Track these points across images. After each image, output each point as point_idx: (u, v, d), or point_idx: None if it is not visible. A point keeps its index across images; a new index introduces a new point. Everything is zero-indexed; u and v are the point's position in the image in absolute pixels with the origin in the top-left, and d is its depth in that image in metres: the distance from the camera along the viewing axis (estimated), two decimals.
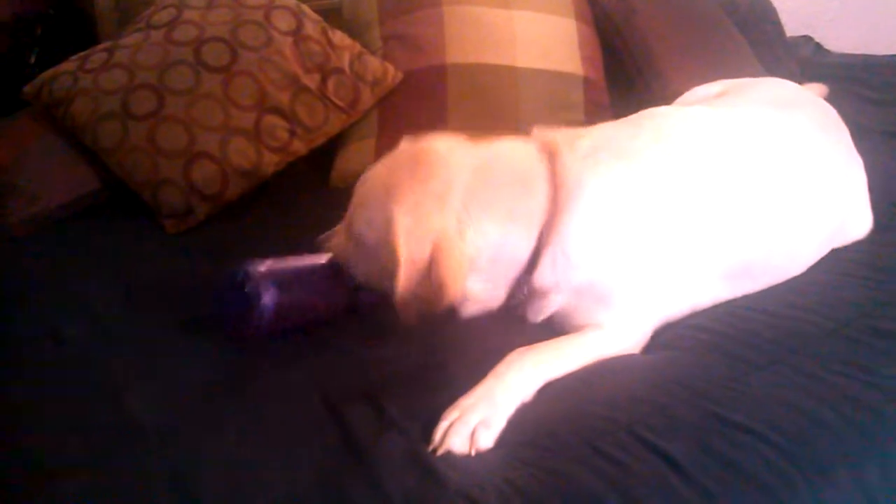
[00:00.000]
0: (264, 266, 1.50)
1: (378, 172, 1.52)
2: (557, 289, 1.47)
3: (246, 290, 1.46)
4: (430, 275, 1.39)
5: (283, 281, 1.50)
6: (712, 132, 1.62)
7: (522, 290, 1.48)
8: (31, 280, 1.80)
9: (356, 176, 2.21)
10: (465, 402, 1.26)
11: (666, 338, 1.48)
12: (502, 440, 1.22)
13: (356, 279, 1.53)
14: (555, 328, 1.50)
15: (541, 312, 1.51)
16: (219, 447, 1.21)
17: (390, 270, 1.39)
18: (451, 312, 1.48)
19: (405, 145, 1.53)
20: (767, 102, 1.82)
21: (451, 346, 1.45)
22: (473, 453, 1.19)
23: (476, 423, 1.22)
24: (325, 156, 2.28)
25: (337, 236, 1.60)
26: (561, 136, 1.54)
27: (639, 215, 1.48)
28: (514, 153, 1.53)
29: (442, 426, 1.22)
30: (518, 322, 1.52)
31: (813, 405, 1.26)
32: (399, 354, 1.43)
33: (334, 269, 1.55)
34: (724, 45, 2.78)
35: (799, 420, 1.22)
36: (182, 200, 2.02)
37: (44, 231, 2.03)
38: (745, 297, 1.57)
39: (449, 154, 1.50)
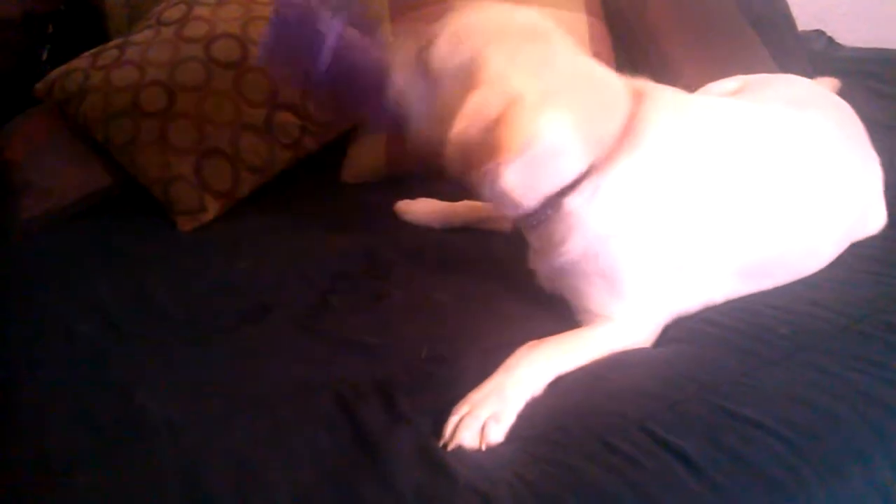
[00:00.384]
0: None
1: (491, 17, 1.49)
2: (578, 227, 1.45)
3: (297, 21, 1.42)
4: (491, 130, 1.34)
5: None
6: (736, 127, 1.61)
7: (547, 213, 1.46)
8: (42, 276, 1.80)
9: (368, 172, 2.24)
10: (476, 396, 1.26)
11: (676, 332, 1.48)
12: (513, 435, 1.22)
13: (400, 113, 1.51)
14: (565, 303, 1.50)
15: (551, 251, 1.49)
16: (229, 443, 1.21)
17: (452, 108, 1.36)
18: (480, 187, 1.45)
19: (530, 15, 1.51)
20: (787, 100, 1.81)
21: (462, 341, 1.45)
22: (484, 448, 1.19)
23: (486, 417, 1.21)
24: (336, 152, 2.28)
25: (403, 51, 1.55)
26: (648, 87, 1.54)
27: (679, 196, 1.47)
28: (609, 80, 1.53)
29: (452, 421, 1.21)
30: (532, 316, 1.52)
31: (825, 401, 1.25)
32: (410, 349, 1.42)
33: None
34: (736, 41, 2.76)
35: (811, 416, 1.22)
36: (194, 197, 2.02)
37: (56, 228, 2.03)
38: (758, 293, 1.57)
39: (562, 41, 1.50)
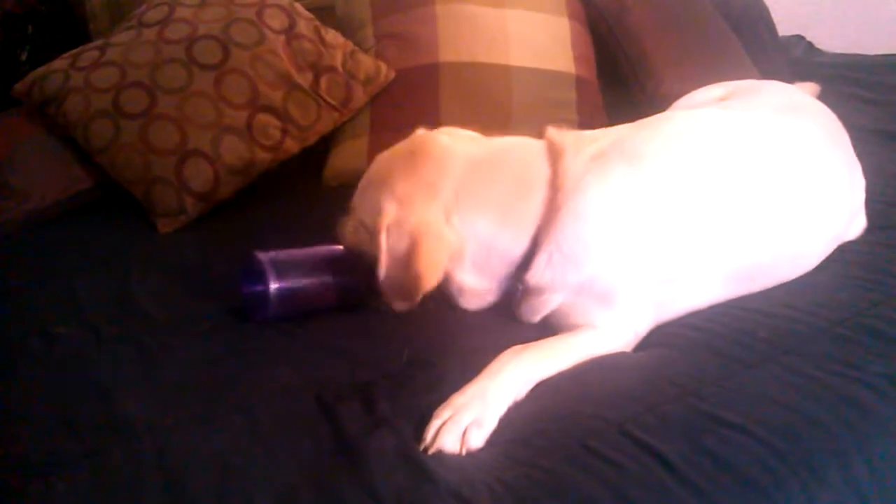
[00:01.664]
0: (273, 253, 1.54)
1: (381, 159, 1.60)
2: (553, 288, 1.48)
3: (252, 274, 1.51)
4: (409, 264, 1.44)
5: (287, 267, 1.53)
6: (726, 137, 1.62)
7: (517, 287, 1.49)
8: (22, 278, 1.79)
9: (349, 174, 2.24)
10: (458, 400, 1.26)
11: (658, 336, 1.48)
12: (494, 439, 1.22)
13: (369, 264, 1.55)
14: (552, 328, 1.50)
15: (537, 311, 1.52)
16: (210, 446, 1.21)
17: (375, 258, 1.46)
18: (452, 303, 1.54)
19: (414, 136, 1.59)
20: (775, 107, 1.82)
21: (443, 345, 1.45)
22: (464, 453, 1.19)
23: (468, 422, 1.21)
24: (317, 154, 2.27)
25: (349, 222, 1.62)
26: (571, 137, 1.55)
27: (641, 217, 1.47)
28: (517, 152, 1.56)
29: (434, 425, 1.21)
30: (514, 321, 1.53)
31: (804, 403, 1.26)
32: (391, 352, 1.42)
33: (348, 256, 1.58)
34: (718, 45, 2.78)
35: (789, 418, 1.23)
36: (174, 199, 2.01)
37: (35, 229, 2.02)
38: (738, 298, 1.57)
39: (450, 146, 1.54)
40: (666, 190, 1.49)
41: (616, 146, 1.52)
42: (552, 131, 1.56)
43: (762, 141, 1.64)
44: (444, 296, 1.54)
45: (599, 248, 1.46)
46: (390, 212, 1.47)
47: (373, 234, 1.49)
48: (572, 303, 1.49)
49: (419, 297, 1.45)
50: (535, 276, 1.47)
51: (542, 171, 1.50)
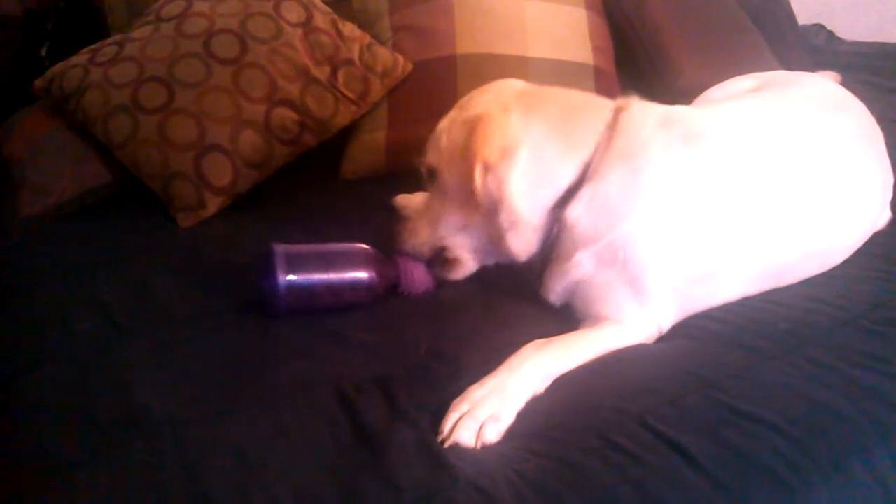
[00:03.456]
0: (289, 246, 1.54)
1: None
2: (586, 239, 1.47)
3: (267, 266, 1.50)
4: (465, 147, 1.47)
5: (301, 261, 1.53)
6: (773, 131, 1.61)
7: (554, 226, 1.49)
8: (42, 274, 1.80)
9: (367, 168, 2.25)
10: (476, 393, 1.25)
11: (678, 328, 1.48)
12: (513, 431, 1.22)
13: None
14: (576, 314, 1.50)
15: (564, 276, 1.50)
16: (229, 439, 1.21)
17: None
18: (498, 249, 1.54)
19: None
20: (815, 102, 1.80)
21: (463, 338, 1.45)
22: (479, 447, 1.19)
23: (485, 417, 1.21)
24: (335, 147, 2.28)
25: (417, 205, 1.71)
26: (637, 101, 1.56)
27: (690, 195, 1.47)
28: (581, 93, 1.61)
29: (451, 418, 1.21)
30: (535, 316, 1.52)
31: (826, 396, 1.25)
32: (411, 345, 1.42)
33: (367, 254, 1.57)
34: (737, 35, 2.76)
35: (811, 411, 1.22)
36: (193, 193, 2.02)
37: (56, 224, 2.03)
38: None
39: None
40: (718, 175, 1.49)
41: (680, 117, 1.54)
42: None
43: (804, 136, 1.63)
44: (492, 239, 1.53)
45: (642, 203, 1.45)
46: (449, 115, 1.55)
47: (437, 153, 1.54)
48: (600, 282, 1.48)
49: (476, 179, 1.44)
50: (574, 212, 1.46)
51: (604, 112, 1.52)
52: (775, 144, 1.58)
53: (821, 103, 1.80)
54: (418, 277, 1.60)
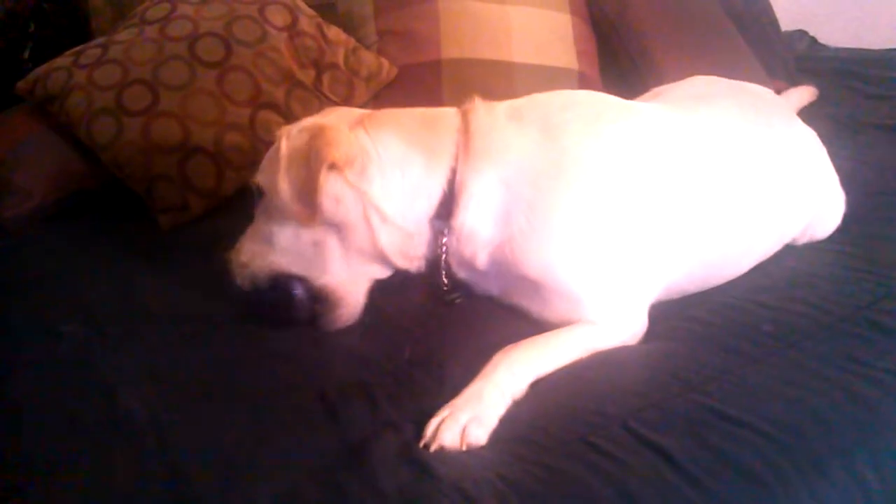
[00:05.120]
0: None
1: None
2: (483, 244, 1.46)
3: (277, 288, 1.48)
4: (308, 147, 1.41)
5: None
6: (642, 123, 1.59)
7: (443, 234, 1.47)
8: (25, 276, 1.79)
9: None
10: (457, 401, 1.26)
11: (659, 329, 1.48)
12: (495, 437, 1.22)
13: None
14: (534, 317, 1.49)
15: (472, 265, 1.49)
16: (216, 444, 1.21)
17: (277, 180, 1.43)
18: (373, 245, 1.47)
19: None
20: (691, 97, 1.80)
21: (447, 346, 1.44)
22: (465, 448, 1.19)
23: (467, 419, 1.21)
24: None
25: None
26: (478, 100, 1.55)
27: (559, 177, 1.45)
28: (431, 110, 1.57)
29: (434, 422, 1.21)
30: (518, 322, 1.50)
31: (808, 399, 1.26)
32: (394, 352, 1.42)
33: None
34: (720, 40, 2.78)
35: (793, 413, 1.23)
36: (177, 196, 2.01)
37: (39, 227, 2.02)
38: (743, 292, 1.57)
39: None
40: (585, 162, 1.47)
41: (527, 108, 1.54)
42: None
43: (700, 141, 1.61)
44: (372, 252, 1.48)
45: (518, 202, 1.44)
46: (284, 129, 1.49)
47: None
48: (518, 288, 1.48)
49: (319, 190, 1.38)
50: (459, 220, 1.45)
51: (453, 119, 1.51)
52: (645, 139, 1.55)
53: (696, 97, 1.79)
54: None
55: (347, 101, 2.24)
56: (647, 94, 1.98)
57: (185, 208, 2.01)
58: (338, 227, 1.45)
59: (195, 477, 1.15)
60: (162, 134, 2.02)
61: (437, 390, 1.30)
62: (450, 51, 2.34)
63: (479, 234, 1.47)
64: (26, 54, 2.41)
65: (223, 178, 2.06)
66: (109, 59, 2.10)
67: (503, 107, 1.54)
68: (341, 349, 1.45)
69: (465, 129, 1.49)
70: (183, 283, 1.70)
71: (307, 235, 1.46)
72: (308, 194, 1.40)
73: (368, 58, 2.30)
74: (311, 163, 1.40)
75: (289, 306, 1.48)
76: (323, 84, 2.22)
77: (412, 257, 1.51)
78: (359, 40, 2.36)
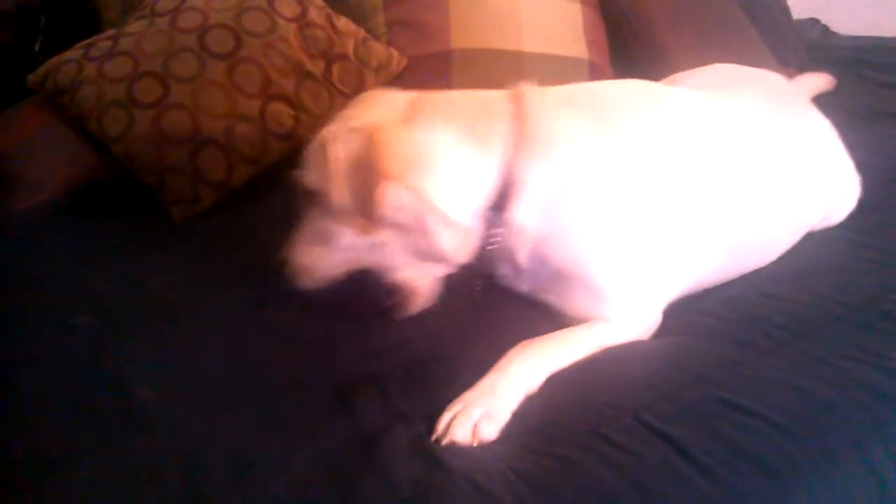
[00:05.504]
0: None
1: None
2: (531, 237, 1.44)
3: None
4: (366, 158, 1.36)
5: None
6: (679, 111, 1.59)
7: (498, 229, 1.44)
8: (37, 269, 1.79)
9: None
10: (469, 395, 1.26)
11: (671, 323, 1.48)
12: (508, 430, 1.22)
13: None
14: (553, 312, 1.49)
15: (518, 278, 1.48)
16: (227, 436, 1.21)
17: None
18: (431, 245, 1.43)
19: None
20: (714, 85, 1.79)
21: (460, 340, 1.44)
22: (476, 444, 1.19)
23: (479, 415, 1.21)
24: None
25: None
26: (527, 86, 1.51)
27: (613, 169, 1.45)
28: (483, 93, 1.52)
29: (445, 417, 1.22)
30: (531, 318, 1.50)
31: (820, 389, 1.26)
32: (408, 345, 1.42)
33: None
34: (731, 29, 2.76)
35: (806, 404, 1.22)
36: (188, 188, 2.01)
37: (50, 219, 2.02)
38: (755, 284, 1.57)
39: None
40: (635, 153, 1.47)
41: (581, 92, 1.53)
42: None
43: (731, 129, 1.61)
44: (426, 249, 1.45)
45: (572, 194, 1.42)
46: (330, 129, 1.43)
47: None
48: (557, 279, 1.46)
49: (379, 204, 1.35)
50: (513, 213, 1.42)
51: (504, 105, 1.46)
52: (693, 130, 1.55)
53: (719, 85, 1.79)
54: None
55: (357, 92, 2.23)
56: (663, 81, 1.96)
57: (196, 200, 2.01)
58: (400, 228, 1.42)
59: (208, 468, 1.15)
60: (172, 126, 2.02)
61: (450, 384, 1.30)
62: (459, 41, 2.33)
63: (529, 226, 1.44)
64: (37, 47, 2.41)
65: (234, 169, 2.06)
66: (120, 51, 2.10)
67: (555, 94, 1.51)
68: (354, 342, 1.45)
69: (519, 115, 1.44)
70: (195, 275, 1.70)
71: (370, 238, 1.43)
72: (367, 208, 1.38)
73: (378, 49, 2.30)
74: (368, 175, 1.36)
75: (362, 301, 1.48)
76: (333, 75, 2.21)
77: (468, 253, 1.46)
78: (368, 31, 2.35)
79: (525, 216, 1.43)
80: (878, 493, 1.15)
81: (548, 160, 1.43)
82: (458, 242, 1.44)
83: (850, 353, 1.34)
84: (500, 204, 1.42)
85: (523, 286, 1.53)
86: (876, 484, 1.15)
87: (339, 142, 1.40)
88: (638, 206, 1.45)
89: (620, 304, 1.45)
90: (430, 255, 1.44)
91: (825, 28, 3.57)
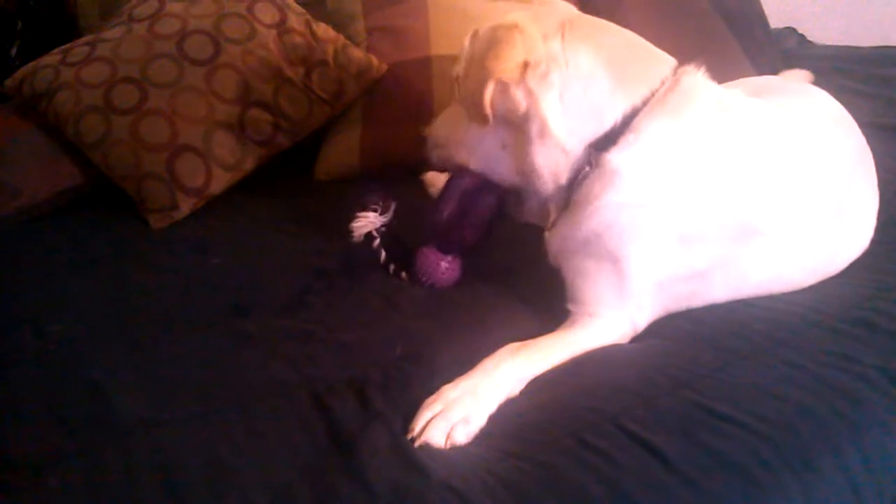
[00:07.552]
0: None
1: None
2: (617, 183, 1.42)
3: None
4: (485, 54, 1.41)
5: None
6: (797, 142, 1.58)
7: (588, 162, 1.43)
8: (14, 275, 1.78)
9: (341, 169, 2.24)
10: (449, 394, 1.25)
11: (652, 327, 1.48)
12: (487, 432, 1.22)
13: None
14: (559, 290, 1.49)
15: (577, 225, 1.46)
16: (204, 441, 1.21)
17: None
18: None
19: None
20: (821, 116, 1.77)
21: (438, 340, 1.44)
22: (448, 447, 1.19)
23: (457, 419, 1.21)
24: (309, 149, 2.27)
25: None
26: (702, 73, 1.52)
27: (725, 173, 1.45)
28: (651, 47, 1.54)
29: (423, 416, 1.22)
30: (511, 317, 1.51)
31: (797, 395, 1.26)
32: (385, 346, 1.42)
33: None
34: (711, 37, 2.78)
35: (783, 410, 1.23)
36: (166, 194, 2.00)
37: (27, 226, 2.01)
38: None
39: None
40: (748, 165, 1.47)
41: (737, 104, 1.53)
42: None
43: (818, 149, 1.60)
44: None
45: (669, 174, 1.42)
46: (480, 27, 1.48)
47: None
48: (595, 251, 1.45)
49: (484, 103, 1.40)
50: (615, 157, 1.41)
51: (664, 67, 1.48)
52: (799, 151, 1.55)
53: (828, 117, 1.77)
54: (445, 268, 1.63)
55: (337, 98, 2.23)
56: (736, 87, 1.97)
57: (174, 207, 2.00)
58: (507, 127, 1.47)
59: (185, 476, 1.14)
60: (150, 132, 2.02)
61: (428, 382, 1.30)
62: (439, 47, 2.33)
63: (624, 174, 1.42)
64: (13, 52, 2.40)
65: (212, 176, 2.05)
66: (97, 57, 2.10)
67: (718, 91, 1.53)
68: (332, 345, 1.45)
69: (672, 83, 1.45)
70: (172, 282, 1.69)
71: (490, 136, 1.50)
72: (475, 105, 1.43)
73: (358, 55, 2.29)
74: (479, 73, 1.41)
75: (479, 203, 1.59)
76: (312, 81, 2.21)
77: (556, 178, 1.47)
78: (348, 37, 2.35)
79: (624, 164, 1.42)
80: (853, 499, 1.16)
81: (673, 130, 1.42)
82: (552, 162, 1.45)
83: (828, 359, 1.35)
84: (605, 143, 1.42)
85: (552, 247, 1.53)
86: (850, 489, 1.16)
87: (474, 38, 1.49)
88: (719, 233, 1.45)
89: (629, 305, 1.46)
90: (525, 166, 1.48)
91: (802, 37, 3.59)
